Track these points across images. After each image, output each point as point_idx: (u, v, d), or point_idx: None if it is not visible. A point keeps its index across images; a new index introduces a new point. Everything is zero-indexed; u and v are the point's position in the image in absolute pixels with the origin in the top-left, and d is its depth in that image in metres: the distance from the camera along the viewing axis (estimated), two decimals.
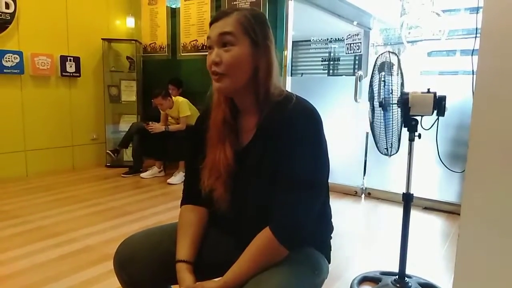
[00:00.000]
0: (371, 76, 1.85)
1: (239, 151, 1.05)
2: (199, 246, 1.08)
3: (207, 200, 1.09)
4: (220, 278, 0.96)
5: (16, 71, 4.04)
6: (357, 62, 5.88)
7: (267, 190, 0.99)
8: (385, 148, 1.84)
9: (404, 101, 1.75)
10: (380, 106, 1.81)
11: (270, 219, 0.97)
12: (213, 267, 1.03)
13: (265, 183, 1.00)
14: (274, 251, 0.95)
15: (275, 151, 0.98)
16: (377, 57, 1.85)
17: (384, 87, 1.79)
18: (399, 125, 1.80)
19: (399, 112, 1.78)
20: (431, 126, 1.80)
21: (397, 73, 1.80)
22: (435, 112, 1.73)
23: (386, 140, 1.82)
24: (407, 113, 1.76)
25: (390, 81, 1.78)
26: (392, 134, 1.80)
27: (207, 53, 1.03)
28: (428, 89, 1.74)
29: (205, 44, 4.66)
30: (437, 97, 1.71)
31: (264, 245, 0.96)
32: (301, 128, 0.97)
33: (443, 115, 1.73)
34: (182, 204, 1.17)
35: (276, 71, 1.04)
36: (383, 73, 1.79)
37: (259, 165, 1.01)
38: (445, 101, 1.71)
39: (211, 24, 1.02)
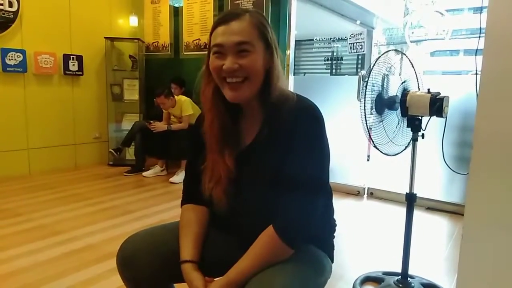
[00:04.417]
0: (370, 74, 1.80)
1: (241, 152, 1.05)
2: (202, 245, 1.08)
3: (207, 200, 1.09)
4: (224, 276, 0.96)
5: (19, 69, 4.05)
6: (360, 61, 5.86)
7: (268, 191, 0.99)
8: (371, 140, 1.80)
9: (403, 101, 1.74)
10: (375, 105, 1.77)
11: (274, 219, 0.96)
12: (213, 266, 1.03)
13: (266, 184, 0.99)
14: (277, 250, 0.95)
15: (278, 152, 0.98)
16: (379, 56, 1.83)
17: (386, 85, 1.77)
18: (394, 125, 1.77)
19: (399, 112, 1.77)
20: (425, 127, 1.78)
21: (400, 73, 1.78)
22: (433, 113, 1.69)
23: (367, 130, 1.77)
24: (405, 113, 1.75)
25: (388, 80, 1.76)
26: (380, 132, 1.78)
27: None
28: (428, 89, 1.73)
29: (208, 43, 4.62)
30: (435, 98, 1.67)
31: (268, 244, 0.96)
32: (303, 127, 0.97)
33: (441, 116, 1.69)
34: (182, 203, 1.17)
35: (282, 72, 1.04)
36: (384, 72, 1.77)
37: (261, 166, 1.01)
38: (442, 102, 1.67)
39: (218, 25, 0.97)
